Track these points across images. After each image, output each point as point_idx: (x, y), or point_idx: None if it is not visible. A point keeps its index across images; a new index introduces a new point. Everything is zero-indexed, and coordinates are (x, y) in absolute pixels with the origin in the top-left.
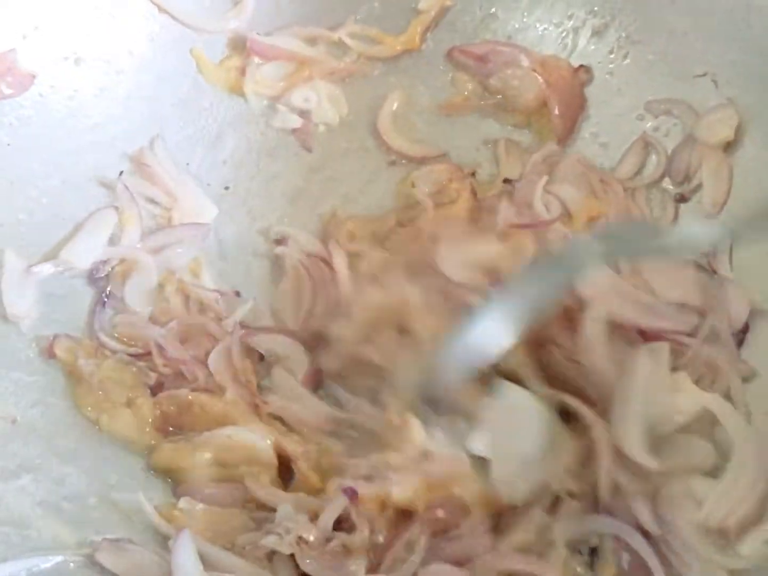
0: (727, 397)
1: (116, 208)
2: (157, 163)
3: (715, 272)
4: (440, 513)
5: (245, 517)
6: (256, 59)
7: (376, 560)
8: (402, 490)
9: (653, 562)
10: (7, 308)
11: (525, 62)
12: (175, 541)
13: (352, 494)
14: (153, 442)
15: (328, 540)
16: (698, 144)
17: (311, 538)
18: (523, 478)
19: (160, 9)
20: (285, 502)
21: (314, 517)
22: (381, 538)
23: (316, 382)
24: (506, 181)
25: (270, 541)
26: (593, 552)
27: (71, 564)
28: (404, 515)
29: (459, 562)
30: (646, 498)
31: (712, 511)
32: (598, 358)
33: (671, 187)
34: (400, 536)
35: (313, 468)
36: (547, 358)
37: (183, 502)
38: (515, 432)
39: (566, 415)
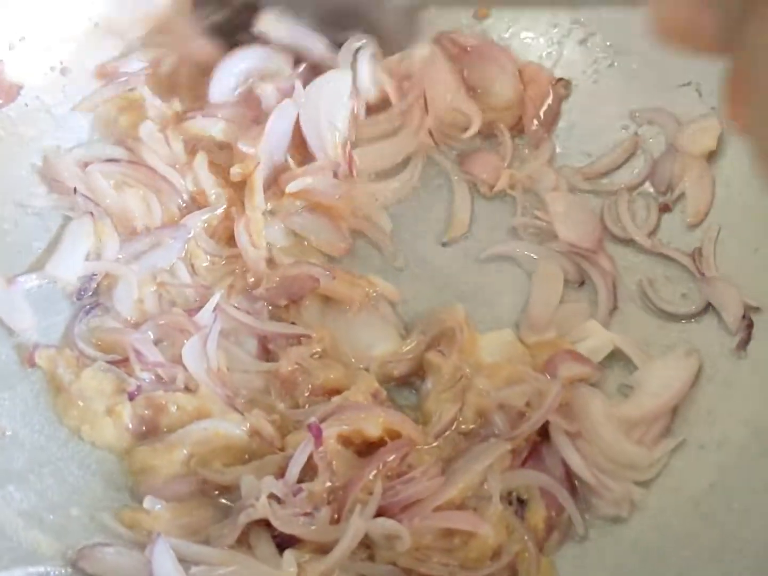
0: None
1: (91, 214)
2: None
3: (702, 274)
4: (392, 455)
5: (210, 507)
6: None
7: (338, 504)
8: (372, 424)
9: (573, 511)
10: (8, 324)
11: (507, 64)
12: (152, 550)
13: (317, 432)
14: (131, 447)
15: (295, 494)
16: (681, 153)
17: (280, 493)
18: None
19: None
20: (245, 474)
21: (279, 476)
22: (339, 482)
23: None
24: None
25: (244, 517)
26: (520, 501)
27: (53, 574)
28: (360, 456)
29: (410, 505)
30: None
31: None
32: None
33: (654, 193)
34: (358, 478)
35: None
36: None
37: (147, 502)
38: None
39: None
